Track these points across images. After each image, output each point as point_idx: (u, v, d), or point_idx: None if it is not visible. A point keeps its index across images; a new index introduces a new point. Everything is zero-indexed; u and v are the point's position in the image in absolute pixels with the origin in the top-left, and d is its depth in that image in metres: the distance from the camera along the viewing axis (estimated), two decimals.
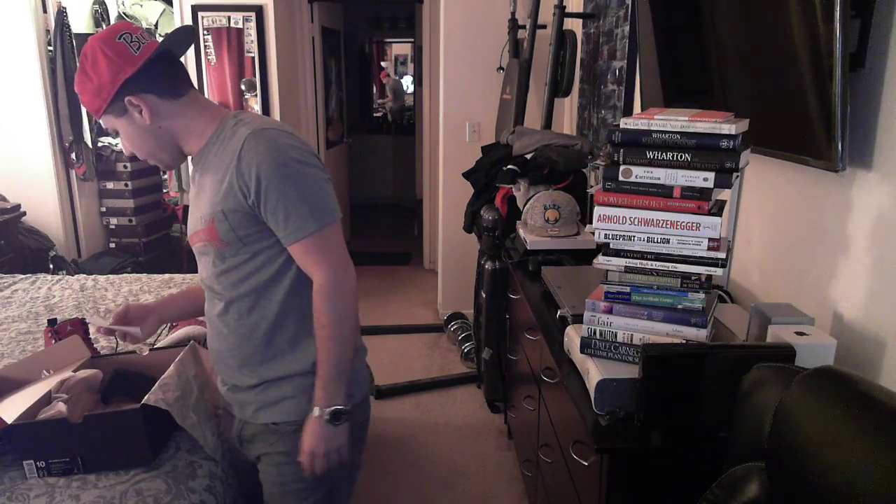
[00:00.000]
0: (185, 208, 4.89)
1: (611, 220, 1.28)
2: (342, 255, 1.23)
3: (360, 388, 1.39)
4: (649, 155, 1.22)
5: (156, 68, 1.19)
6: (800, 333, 1.22)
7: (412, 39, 7.02)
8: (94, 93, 1.18)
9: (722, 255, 1.23)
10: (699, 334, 1.27)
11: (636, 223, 1.26)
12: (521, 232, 2.43)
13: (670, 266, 1.27)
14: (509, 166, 2.64)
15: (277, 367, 1.30)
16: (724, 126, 1.16)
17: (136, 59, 1.17)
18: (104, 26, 4.85)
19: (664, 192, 1.23)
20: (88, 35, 4.73)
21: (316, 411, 1.24)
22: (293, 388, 1.30)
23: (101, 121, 1.23)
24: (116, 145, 4.63)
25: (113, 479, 1.46)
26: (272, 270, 1.24)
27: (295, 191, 1.17)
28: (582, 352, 1.38)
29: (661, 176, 1.22)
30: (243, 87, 4.39)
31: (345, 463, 1.29)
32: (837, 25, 1.12)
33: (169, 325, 2.21)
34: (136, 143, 1.24)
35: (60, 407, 1.50)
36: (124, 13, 5.04)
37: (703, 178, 1.19)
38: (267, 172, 1.15)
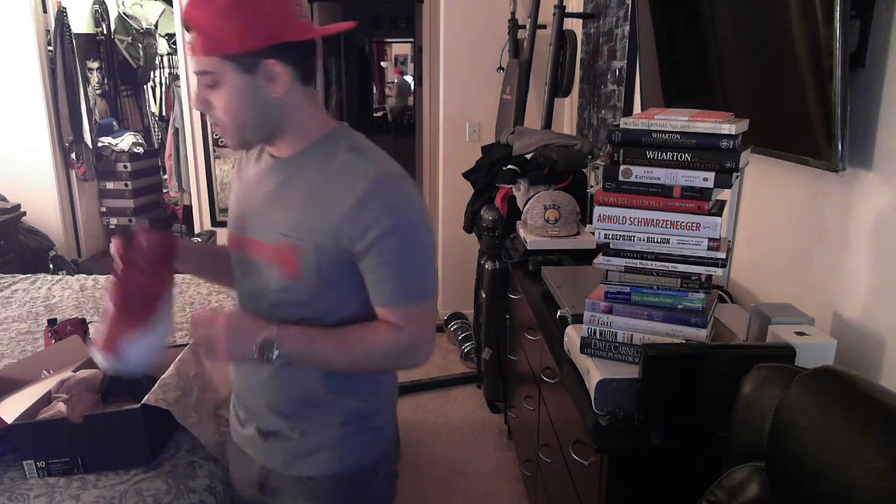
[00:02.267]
0: (186, 208, 4.89)
1: (611, 220, 1.28)
2: (431, 330, 1.09)
3: (378, 446, 1.19)
4: (649, 155, 1.22)
5: (309, 46, 1.03)
6: (800, 333, 1.22)
7: (412, 39, 7.02)
8: (236, 30, 0.93)
9: (722, 255, 1.23)
10: (699, 334, 1.27)
11: (636, 223, 1.26)
12: (521, 232, 2.43)
13: (670, 266, 1.27)
14: (509, 166, 2.63)
15: (316, 414, 1.13)
16: (724, 126, 1.16)
17: (302, 29, 0.99)
18: (104, 27, 4.85)
19: (664, 192, 1.23)
20: (88, 35, 4.75)
21: (271, 329, 1.02)
22: (331, 437, 1.13)
23: (197, 61, 0.97)
24: (116, 145, 4.64)
25: (113, 479, 1.46)
26: (337, 316, 1.08)
27: (410, 257, 1.04)
28: (582, 352, 1.38)
29: (661, 176, 1.22)
30: None
31: (215, 356, 1.03)
32: (837, 25, 1.12)
33: None
34: (233, 107, 1.00)
35: (60, 407, 1.50)
36: (124, 13, 5.04)
37: (703, 178, 1.19)
38: (390, 228, 0.99)
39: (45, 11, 4.10)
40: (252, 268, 1.11)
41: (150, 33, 5.19)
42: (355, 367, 1.09)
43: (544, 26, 3.30)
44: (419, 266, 1.05)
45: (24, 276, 3.05)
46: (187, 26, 0.96)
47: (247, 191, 1.13)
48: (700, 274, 1.26)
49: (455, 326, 3.75)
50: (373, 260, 1.01)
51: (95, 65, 4.84)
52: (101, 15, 4.80)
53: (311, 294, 1.06)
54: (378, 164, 1.03)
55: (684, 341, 1.27)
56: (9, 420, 1.43)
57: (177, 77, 4.91)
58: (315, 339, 1.05)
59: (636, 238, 1.27)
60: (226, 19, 0.92)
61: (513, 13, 3.55)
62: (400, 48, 8.69)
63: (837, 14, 1.12)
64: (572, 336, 1.46)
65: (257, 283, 1.10)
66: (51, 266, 4.04)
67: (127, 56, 5.02)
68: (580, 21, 3.28)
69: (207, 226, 4.66)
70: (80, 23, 4.59)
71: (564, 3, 3.08)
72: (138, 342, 1.04)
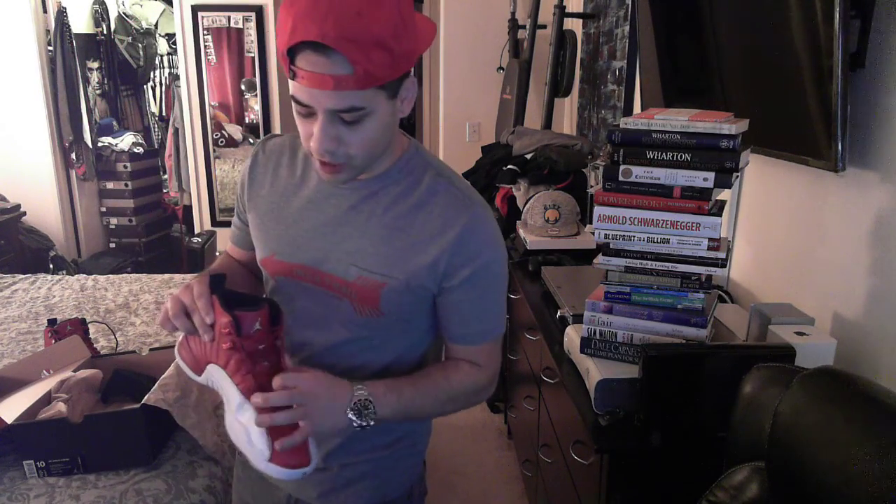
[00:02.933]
0: (186, 208, 4.89)
1: (611, 220, 1.28)
2: (499, 363, 1.05)
3: (415, 470, 1.12)
4: (649, 155, 1.22)
5: None
6: (800, 333, 1.22)
7: None
8: (400, 55, 0.80)
9: (722, 255, 1.23)
10: (699, 334, 1.27)
11: (636, 223, 1.26)
12: (521, 232, 2.43)
13: (670, 266, 1.27)
14: (509, 166, 2.64)
15: (360, 448, 1.03)
16: (724, 126, 1.16)
17: (426, 36, 0.88)
18: (104, 27, 4.85)
19: (664, 192, 1.23)
20: (88, 35, 4.74)
21: (357, 388, 0.89)
22: (372, 467, 1.05)
23: (345, 97, 0.80)
24: (116, 145, 4.64)
25: (113, 479, 1.46)
26: (399, 349, 1.00)
27: (495, 293, 0.98)
28: (582, 352, 1.38)
29: (661, 176, 1.22)
30: (243, 87, 4.39)
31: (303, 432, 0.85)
32: (837, 25, 1.12)
33: None
34: (376, 138, 0.87)
35: (60, 407, 1.50)
36: (124, 13, 5.04)
37: (702, 178, 1.19)
38: (483, 266, 0.94)
39: (45, 11, 4.10)
40: (305, 299, 0.98)
41: (150, 33, 5.19)
42: (438, 412, 1.01)
43: (544, 26, 3.30)
44: (500, 301, 1.00)
45: (24, 276, 3.05)
46: (342, 58, 0.76)
47: (298, 210, 0.98)
48: (700, 274, 1.26)
49: None
50: (460, 297, 0.95)
51: (95, 65, 4.84)
52: (101, 15, 4.80)
53: (383, 330, 0.97)
54: (469, 194, 0.96)
55: (684, 341, 1.27)
56: (9, 420, 1.43)
57: (177, 77, 4.91)
58: (403, 392, 0.93)
59: (636, 238, 1.27)
60: (388, 45, 0.78)
61: (513, 13, 3.55)
62: None
63: (837, 14, 1.12)
64: (572, 336, 1.46)
65: (314, 316, 0.98)
66: (51, 266, 4.04)
67: (127, 56, 5.02)
68: (580, 21, 3.28)
69: (207, 226, 4.65)
70: (80, 23, 4.58)
71: (564, 3, 3.09)
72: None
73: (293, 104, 0.85)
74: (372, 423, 0.89)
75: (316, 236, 0.96)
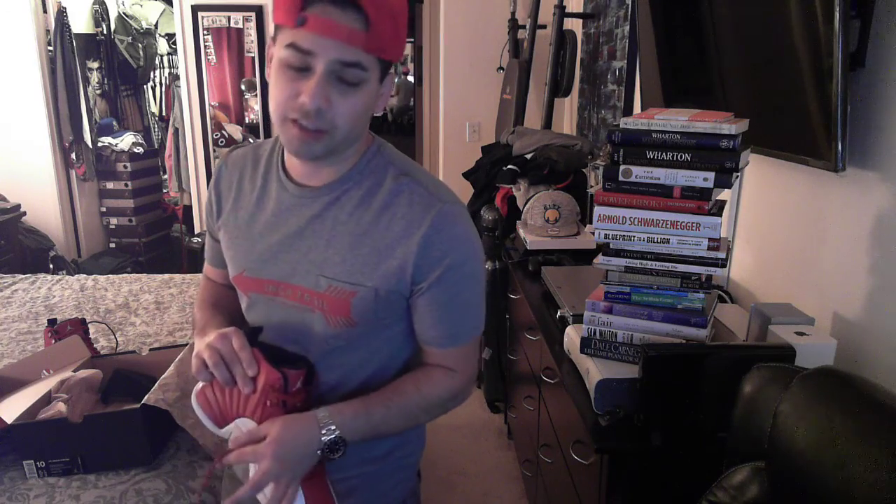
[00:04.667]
0: (186, 208, 4.89)
1: (611, 220, 1.28)
2: (475, 366, 1.03)
3: (407, 484, 1.11)
4: (649, 155, 1.22)
5: None
6: (800, 333, 1.22)
7: (412, 39, 7.02)
8: (400, 37, 0.86)
9: (722, 255, 1.23)
10: (699, 334, 1.27)
11: (636, 223, 1.26)
12: (521, 232, 2.43)
13: (670, 266, 1.27)
14: (509, 166, 2.64)
15: (349, 459, 0.98)
16: (724, 126, 1.16)
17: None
18: (104, 27, 4.85)
19: (664, 192, 1.23)
20: (88, 35, 4.75)
21: (323, 422, 0.89)
22: (362, 480, 1.03)
23: (353, 52, 0.81)
24: (116, 145, 4.64)
25: (113, 479, 1.46)
26: (383, 356, 0.98)
27: (468, 294, 0.95)
28: (582, 352, 1.38)
29: (661, 176, 1.22)
30: (243, 87, 4.39)
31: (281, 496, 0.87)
32: (837, 25, 1.12)
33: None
34: (358, 114, 0.87)
35: (60, 407, 1.50)
36: (124, 13, 5.04)
37: (703, 178, 1.19)
38: (452, 265, 0.90)
39: (45, 11, 4.10)
40: (278, 314, 0.96)
41: (150, 33, 5.19)
42: (412, 423, 1.00)
43: (544, 26, 3.30)
44: (476, 303, 0.97)
45: (24, 276, 3.05)
46: (366, 16, 0.79)
47: (263, 223, 0.97)
48: (700, 274, 1.26)
49: None
50: (431, 299, 0.92)
51: (95, 65, 4.85)
52: (101, 15, 4.81)
53: (360, 339, 0.95)
54: (436, 191, 0.93)
55: (684, 341, 1.27)
56: (9, 420, 1.43)
57: (177, 77, 4.91)
58: (373, 414, 0.92)
59: (636, 238, 1.27)
60: (397, 24, 0.83)
61: (513, 13, 3.55)
62: None
63: (837, 14, 1.12)
64: (572, 336, 1.46)
65: (288, 330, 0.96)
66: (51, 266, 4.04)
67: (127, 56, 5.02)
68: (580, 21, 3.28)
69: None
70: (80, 23, 4.59)
71: (564, 3, 3.09)
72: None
73: (282, 62, 0.82)
74: (341, 442, 0.89)
75: (282, 249, 0.94)
